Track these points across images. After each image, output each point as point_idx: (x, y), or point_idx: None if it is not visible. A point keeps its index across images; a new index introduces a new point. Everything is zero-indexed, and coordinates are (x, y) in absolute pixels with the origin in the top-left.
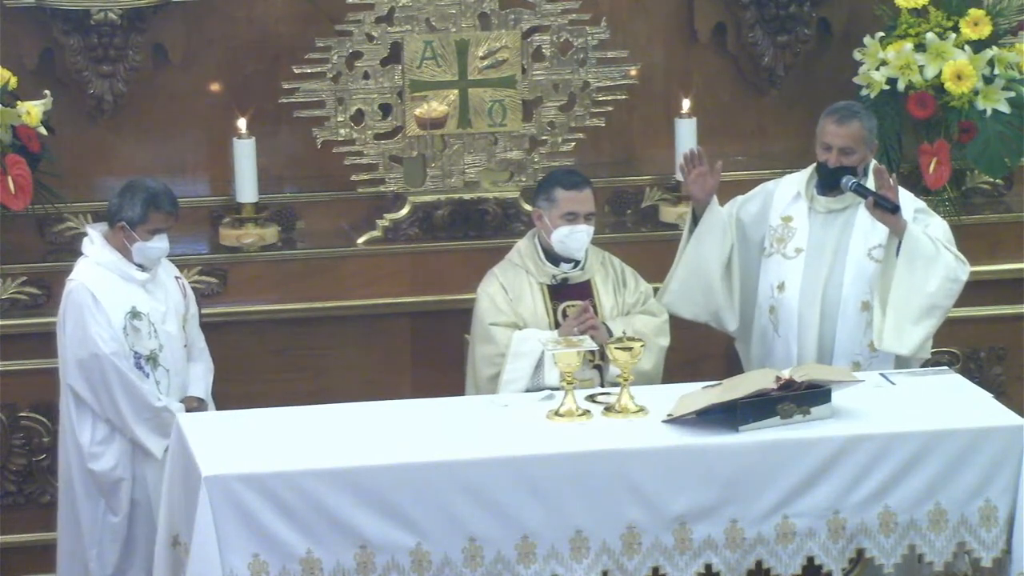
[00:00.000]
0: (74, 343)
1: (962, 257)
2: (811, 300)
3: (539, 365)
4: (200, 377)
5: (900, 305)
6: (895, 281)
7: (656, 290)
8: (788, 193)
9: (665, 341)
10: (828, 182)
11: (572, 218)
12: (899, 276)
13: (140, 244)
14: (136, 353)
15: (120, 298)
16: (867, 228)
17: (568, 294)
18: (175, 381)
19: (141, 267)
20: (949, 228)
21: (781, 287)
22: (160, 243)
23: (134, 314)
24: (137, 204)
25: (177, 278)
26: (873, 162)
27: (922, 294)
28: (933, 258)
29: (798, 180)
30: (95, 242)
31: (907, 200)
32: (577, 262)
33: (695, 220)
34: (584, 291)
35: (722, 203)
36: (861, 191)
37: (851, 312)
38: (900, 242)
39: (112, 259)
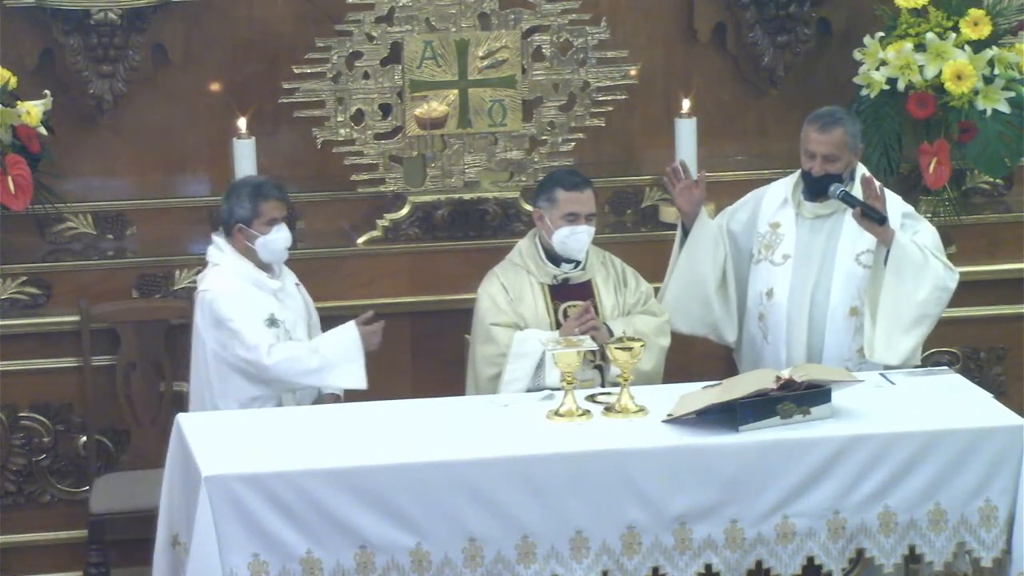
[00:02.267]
0: (230, 354)
1: (950, 265)
2: (799, 306)
3: (540, 365)
4: None
5: (890, 315)
6: (884, 291)
7: (657, 290)
8: (775, 199)
9: (666, 341)
10: (815, 189)
11: (573, 219)
12: (888, 285)
13: (262, 239)
14: None
15: (259, 306)
16: (854, 234)
17: (569, 294)
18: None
19: (268, 272)
20: (937, 234)
21: (770, 294)
22: (281, 233)
23: (272, 321)
24: (245, 200)
25: (297, 285)
26: (863, 170)
27: (912, 303)
28: (922, 267)
29: (785, 185)
30: (224, 250)
31: (895, 204)
32: (578, 262)
33: (685, 233)
34: (585, 291)
35: (720, 206)
36: (849, 200)
37: (839, 318)
38: (888, 251)
39: (246, 268)
